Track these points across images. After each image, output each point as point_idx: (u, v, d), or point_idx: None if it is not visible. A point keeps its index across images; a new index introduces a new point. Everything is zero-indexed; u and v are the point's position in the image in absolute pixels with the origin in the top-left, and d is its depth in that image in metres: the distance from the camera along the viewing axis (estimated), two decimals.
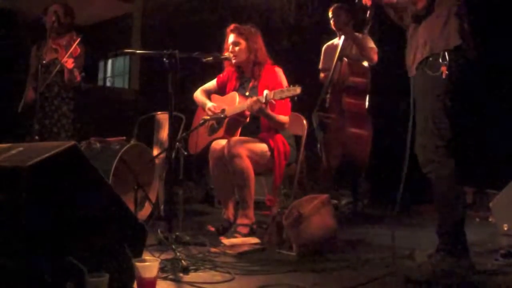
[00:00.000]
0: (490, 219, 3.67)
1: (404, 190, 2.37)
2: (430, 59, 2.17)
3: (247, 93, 3.28)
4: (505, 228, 3.08)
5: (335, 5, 4.07)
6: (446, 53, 2.11)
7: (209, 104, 3.36)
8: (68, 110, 3.84)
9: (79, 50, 3.70)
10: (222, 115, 3.19)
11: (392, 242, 2.33)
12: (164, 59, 2.62)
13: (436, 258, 2.13)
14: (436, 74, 2.12)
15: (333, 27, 4.07)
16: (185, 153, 3.29)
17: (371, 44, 4.00)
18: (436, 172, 2.16)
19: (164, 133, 4.00)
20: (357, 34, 3.97)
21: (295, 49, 5.39)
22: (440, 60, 2.12)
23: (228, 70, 3.48)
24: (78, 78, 3.65)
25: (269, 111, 3.06)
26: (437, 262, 2.10)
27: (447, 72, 2.10)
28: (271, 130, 3.22)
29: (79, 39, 3.64)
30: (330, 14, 4.07)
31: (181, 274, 2.08)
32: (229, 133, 3.20)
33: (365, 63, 4.09)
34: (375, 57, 3.96)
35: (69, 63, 3.59)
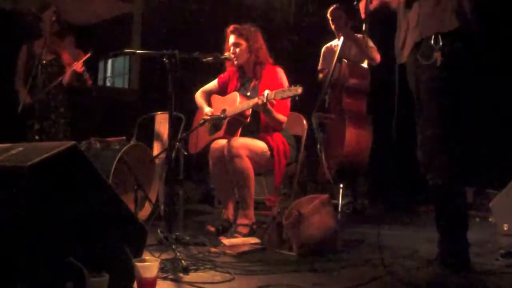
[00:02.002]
0: (490, 219, 3.67)
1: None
2: (423, 44, 1.91)
3: (248, 93, 3.28)
4: (505, 228, 3.08)
5: (334, 6, 4.06)
6: (439, 37, 1.84)
7: (206, 109, 3.36)
8: (65, 111, 3.85)
9: (81, 54, 3.74)
10: (222, 115, 3.19)
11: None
12: (164, 59, 2.62)
13: (434, 268, 2.07)
14: (429, 63, 1.86)
15: (332, 28, 4.07)
16: (185, 153, 3.29)
17: (371, 44, 4.00)
18: (435, 179, 2.01)
19: (164, 133, 4.00)
20: (356, 35, 3.98)
21: (295, 49, 5.39)
22: (433, 44, 1.84)
23: (229, 70, 3.48)
24: (90, 81, 3.69)
25: (269, 107, 3.05)
26: (434, 273, 2.05)
27: (441, 58, 1.83)
28: (270, 129, 3.22)
29: (89, 55, 3.69)
30: (329, 16, 4.07)
31: (181, 274, 2.07)
32: (229, 133, 3.20)
33: (364, 64, 4.10)
34: (378, 57, 3.97)
35: (79, 67, 3.65)
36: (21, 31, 4.39)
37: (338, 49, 3.96)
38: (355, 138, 3.86)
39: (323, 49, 4.36)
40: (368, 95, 4.02)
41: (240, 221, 3.08)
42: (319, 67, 4.35)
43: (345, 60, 3.99)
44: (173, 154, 2.71)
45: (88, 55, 3.70)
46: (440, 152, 1.99)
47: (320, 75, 4.30)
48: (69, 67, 3.74)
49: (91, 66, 3.91)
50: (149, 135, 4.14)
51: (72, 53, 3.72)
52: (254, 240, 2.86)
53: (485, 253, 2.58)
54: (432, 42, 1.86)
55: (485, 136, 4.10)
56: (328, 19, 4.09)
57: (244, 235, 2.97)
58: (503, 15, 3.69)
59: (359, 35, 4.00)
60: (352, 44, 4.08)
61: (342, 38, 3.97)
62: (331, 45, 4.31)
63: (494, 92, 4.02)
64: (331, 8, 4.06)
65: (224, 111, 3.21)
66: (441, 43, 1.84)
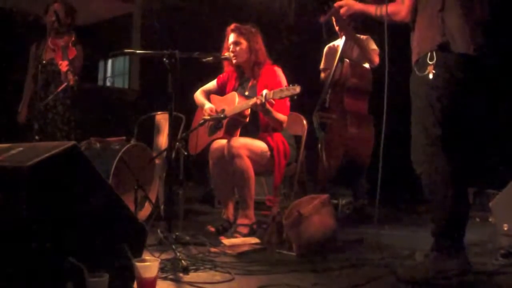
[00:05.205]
0: (490, 219, 3.67)
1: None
2: (419, 60, 2.17)
3: (246, 93, 3.28)
4: (505, 228, 3.07)
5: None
6: (434, 53, 2.11)
7: (207, 106, 3.36)
8: (64, 110, 3.82)
9: (75, 52, 3.69)
10: (222, 116, 3.19)
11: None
12: (164, 59, 2.62)
13: (430, 258, 2.11)
14: (423, 74, 2.13)
15: (335, 28, 4.06)
16: (185, 153, 3.29)
17: (373, 46, 3.99)
18: (425, 172, 2.15)
19: (164, 133, 4.00)
20: (359, 36, 3.97)
21: (295, 49, 5.38)
22: (428, 61, 2.12)
23: (228, 70, 3.48)
24: (72, 82, 3.63)
25: (268, 106, 3.05)
26: (432, 262, 2.09)
27: (433, 71, 2.10)
28: (269, 129, 3.22)
29: (73, 39, 3.64)
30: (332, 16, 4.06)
31: (181, 274, 2.08)
32: (229, 133, 3.20)
33: (366, 65, 4.09)
34: (377, 59, 3.96)
35: (63, 66, 3.58)
36: (25, 31, 4.40)
37: (339, 49, 3.96)
38: (356, 138, 3.85)
39: (326, 48, 4.36)
40: (370, 95, 4.02)
41: (240, 221, 3.08)
42: (322, 66, 4.34)
43: (347, 60, 3.98)
44: (173, 154, 2.71)
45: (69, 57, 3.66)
46: (430, 153, 2.13)
47: (322, 75, 4.30)
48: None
49: (91, 66, 3.88)
50: (149, 135, 4.14)
51: (64, 52, 3.67)
52: (254, 240, 2.86)
53: (485, 253, 2.58)
54: (428, 59, 2.13)
55: (485, 137, 4.09)
56: (331, 19, 4.07)
57: (244, 235, 2.98)
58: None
59: (363, 36, 4.00)
60: (354, 44, 4.08)
61: (344, 38, 3.97)
62: (333, 45, 4.30)
63: (493, 92, 4.02)
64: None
65: (223, 111, 3.21)
66: (435, 59, 2.11)
